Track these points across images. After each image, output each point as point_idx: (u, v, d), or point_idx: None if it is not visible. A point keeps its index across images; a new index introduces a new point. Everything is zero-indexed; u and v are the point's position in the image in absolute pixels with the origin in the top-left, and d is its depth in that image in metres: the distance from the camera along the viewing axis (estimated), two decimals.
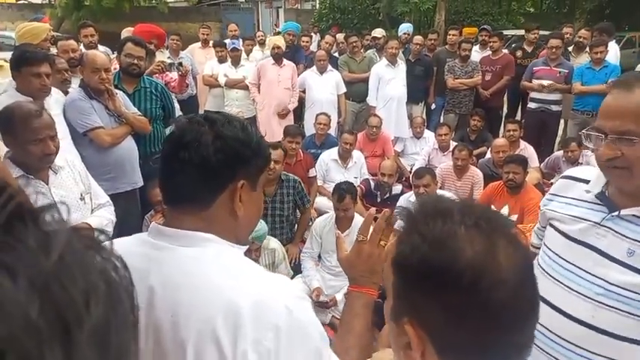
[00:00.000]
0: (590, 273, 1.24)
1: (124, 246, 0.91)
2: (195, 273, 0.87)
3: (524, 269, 0.64)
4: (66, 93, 3.20)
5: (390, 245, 0.74)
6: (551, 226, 1.38)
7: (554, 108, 5.67)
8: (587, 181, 1.32)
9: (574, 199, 1.34)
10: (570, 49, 6.21)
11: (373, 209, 1.08)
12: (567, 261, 1.29)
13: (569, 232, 1.31)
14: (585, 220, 1.28)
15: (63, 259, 0.28)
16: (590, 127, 1.19)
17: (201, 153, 0.90)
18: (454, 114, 6.15)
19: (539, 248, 1.53)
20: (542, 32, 6.96)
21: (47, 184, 2.17)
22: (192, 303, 0.83)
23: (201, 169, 0.91)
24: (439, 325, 0.64)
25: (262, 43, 7.84)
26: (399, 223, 0.71)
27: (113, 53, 4.58)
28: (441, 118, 6.45)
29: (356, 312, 1.04)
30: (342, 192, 3.39)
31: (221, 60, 6.13)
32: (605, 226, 1.23)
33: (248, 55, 6.78)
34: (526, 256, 0.66)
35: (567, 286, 1.27)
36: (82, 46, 4.52)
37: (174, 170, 0.94)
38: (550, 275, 1.32)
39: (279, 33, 7.76)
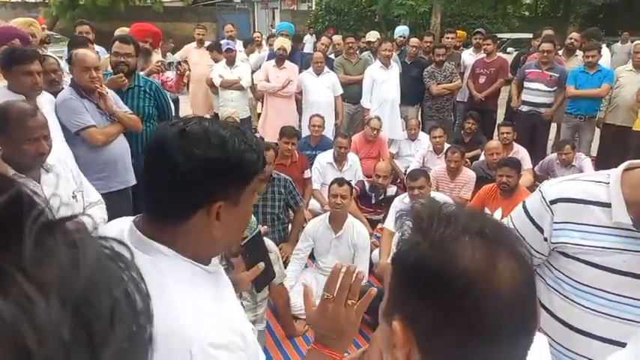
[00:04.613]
0: None
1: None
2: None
3: (524, 285, 0.62)
4: (55, 94, 3.17)
5: (382, 264, 0.72)
6: (576, 259, 1.31)
7: (544, 111, 5.69)
8: (602, 204, 1.27)
9: (593, 225, 1.28)
10: (561, 52, 6.24)
11: (339, 263, 0.95)
12: (620, 295, 1.25)
13: (609, 265, 1.26)
14: (627, 250, 1.24)
15: (91, 277, 0.28)
16: None
17: (173, 173, 0.86)
18: (434, 120, 6.11)
19: None
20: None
21: (39, 183, 2.16)
22: None
23: (174, 189, 0.87)
24: (426, 327, 0.62)
25: (259, 44, 7.86)
26: (399, 225, 0.69)
27: (108, 52, 4.56)
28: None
29: None
30: (342, 179, 3.62)
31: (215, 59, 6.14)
32: None
33: (248, 56, 6.84)
34: (528, 272, 0.64)
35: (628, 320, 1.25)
36: None
37: (149, 184, 0.92)
38: (599, 312, 1.28)
39: (273, 35, 7.80)
